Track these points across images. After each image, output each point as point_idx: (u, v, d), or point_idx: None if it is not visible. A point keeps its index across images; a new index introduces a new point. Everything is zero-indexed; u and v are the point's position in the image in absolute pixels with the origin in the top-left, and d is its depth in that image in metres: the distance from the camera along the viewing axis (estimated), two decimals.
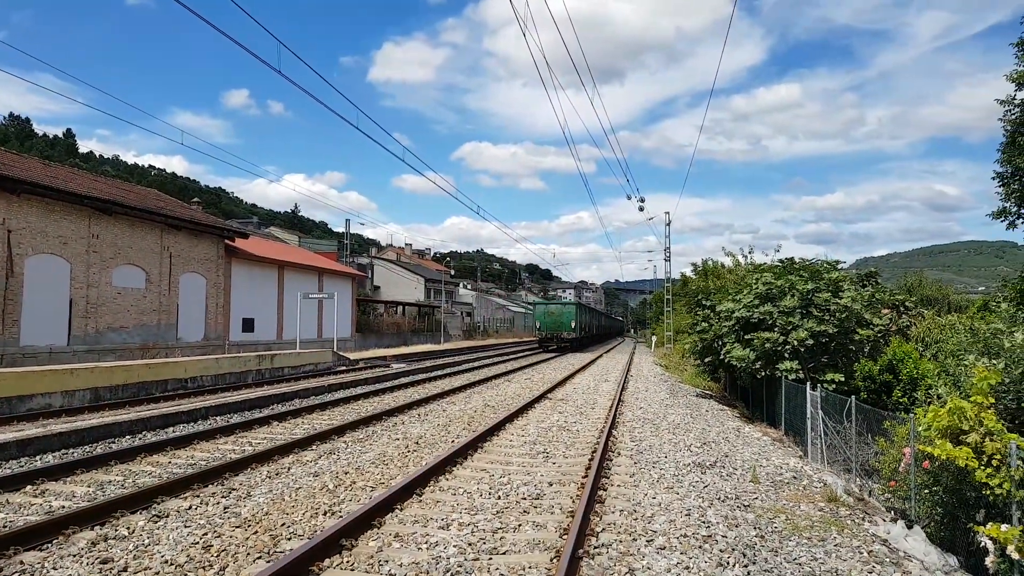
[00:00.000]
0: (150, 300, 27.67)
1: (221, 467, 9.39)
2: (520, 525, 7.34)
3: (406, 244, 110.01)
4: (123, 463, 10.18)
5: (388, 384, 22.64)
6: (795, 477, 11.01)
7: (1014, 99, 17.24)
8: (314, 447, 11.57)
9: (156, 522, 7.21)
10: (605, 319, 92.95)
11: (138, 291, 27.09)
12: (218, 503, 7.96)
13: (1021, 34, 17.34)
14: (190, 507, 7.78)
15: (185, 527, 7.04)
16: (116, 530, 6.92)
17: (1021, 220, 17.17)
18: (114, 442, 11.98)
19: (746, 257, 34.80)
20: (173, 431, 13.15)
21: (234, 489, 8.62)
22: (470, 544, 6.62)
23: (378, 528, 7.08)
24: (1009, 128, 17.49)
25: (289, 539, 6.75)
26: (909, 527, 8.06)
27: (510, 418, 15.20)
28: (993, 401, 7.56)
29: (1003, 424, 7.31)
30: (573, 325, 52.65)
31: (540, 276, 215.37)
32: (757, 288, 19.58)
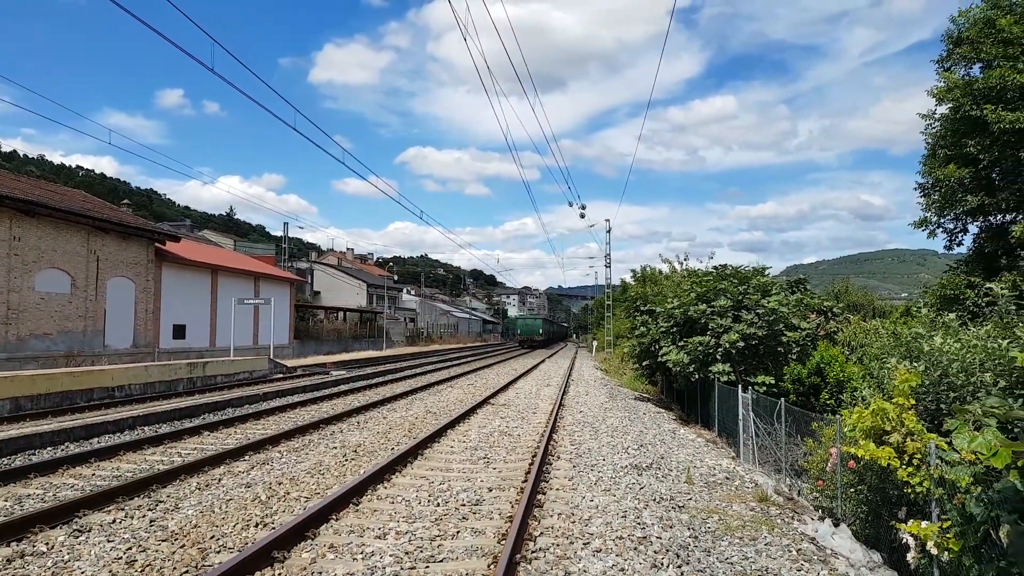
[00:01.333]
0: (75, 306, 26.64)
1: (148, 479, 9.10)
2: (459, 532, 7.31)
3: (348, 249, 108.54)
4: (43, 476, 9.79)
5: (327, 392, 22.29)
6: (728, 478, 11.24)
7: (935, 113, 18.01)
8: (247, 457, 11.30)
9: (77, 537, 6.95)
10: (556, 326, 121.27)
11: (63, 296, 26.06)
12: (144, 516, 7.70)
13: (942, 51, 18.15)
14: (114, 521, 7.51)
15: (108, 542, 6.79)
16: (34, 546, 6.63)
17: (941, 229, 17.90)
18: (34, 454, 11.50)
19: (682, 264, 35.47)
20: (98, 442, 12.69)
21: (161, 501, 8.36)
22: (407, 553, 6.56)
23: (312, 539, 6.96)
24: (930, 141, 18.27)
25: (218, 552, 6.57)
26: (836, 525, 8.31)
27: (452, 424, 15.14)
28: (914, 402, 7.84)
29: (923, 424, 7.58)
30: (540, 331, 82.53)
31: (484, 282, 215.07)
32: (694, 290, 20.08)
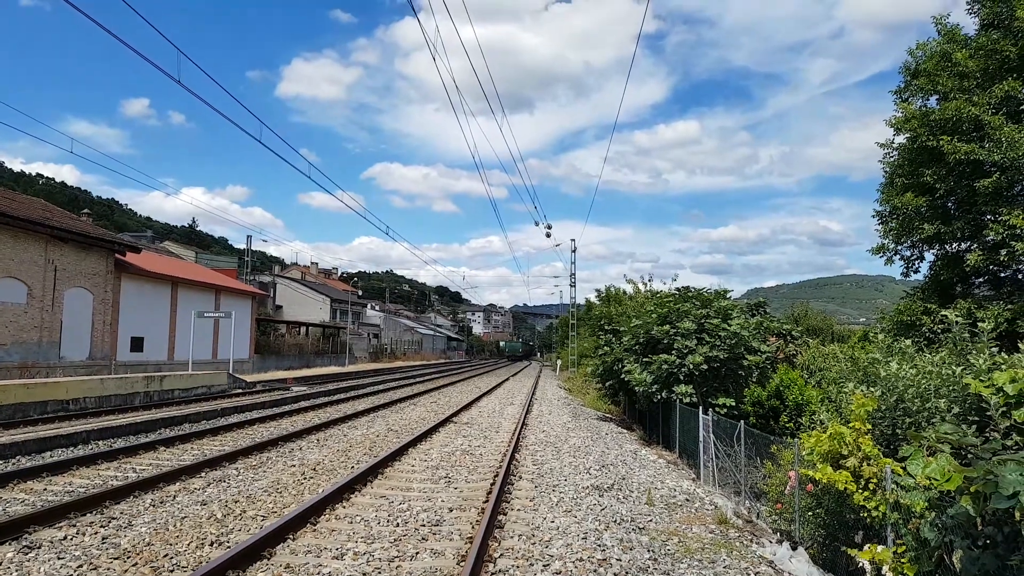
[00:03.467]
0: (31, 316, 25.99)
1: (101, 495, 8.87)
2: (418, 553, 7.23)
3: (312, 263, 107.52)
4: None
5: (287, 408, 21.98)
6: (688, 499, 11.30)
7: (892, 143, 18.44)
8: (203, 474, 11.07)
9: (26, 554, 6.74)
10: (526, 345, 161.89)
11: (18, 306, 25.41)
12: (96, 533, 7.50)
13: (900, 83, 18.64)
14: (65, 537, 7.30)
15: (58, 559, 6.60)
16: None
17: (898, 256, 18.26)
18: None
19: (646, 285, 35.79)
20: (50, 456, 12.37)
21: (114, 518, 8.15)
22: (364, 574, 6.48)
23: (268, 559, 6.83)
24: (888, 170, 18.68)
25: (172, 571, 6.42)
26: (794, 548, 8.38)
27: (413, 443, 15.02)
28: (870, 427, 7.96)
29: (879, 449, 7.70)
30: (520, 350, 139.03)
31: (450, 298, 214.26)
32: (659, 310, 20.26)
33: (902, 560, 6.07)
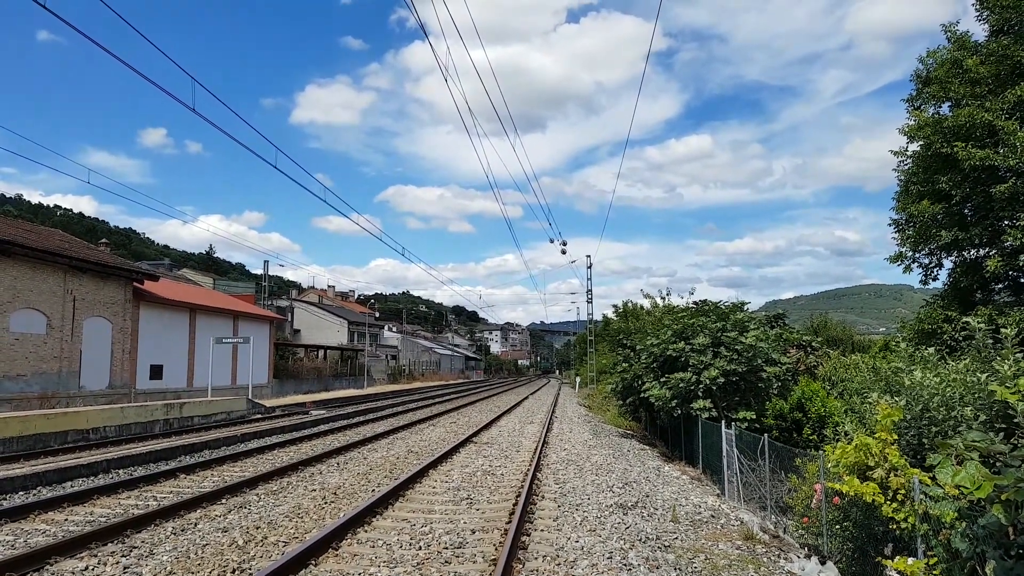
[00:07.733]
0: (51, 346, 26.23)
1: (122, 524, 8.88)
2: None
3: (329, 286, 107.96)
4: (14, 521, 9.52)
5: (306, 432, 21.98)
6: (713, 516, 11.16)
7: (907, 151, 18.32)
8: (224, 501, 11.06)
9: None
10: (550, 363, 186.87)
11: (38, 337, 25.66)
12: (117, 563, 7.49)
13: (912, 91, 18.55)
14: (87, 568, 7.30)
15: None
16: None
17: (916, 264, 18.07)
18: (5, 499, 11.20)
19: (663, 299, 35.64)
20: (71, 486, 12.39)
21: (136, 547, 8.14)
22: None
23: None
24: (903, 178, 18.54)
25: None
26: (822, 563, 8.24)
27: (434, 464, 14.96)
28: (896, 437, 7.83)
29: (906, 459, 7.56)
30: (550, 367, 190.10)
31: (467, 318, 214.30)
32: (673, 327, 20.16)
33: (934, 572, 5.94)
